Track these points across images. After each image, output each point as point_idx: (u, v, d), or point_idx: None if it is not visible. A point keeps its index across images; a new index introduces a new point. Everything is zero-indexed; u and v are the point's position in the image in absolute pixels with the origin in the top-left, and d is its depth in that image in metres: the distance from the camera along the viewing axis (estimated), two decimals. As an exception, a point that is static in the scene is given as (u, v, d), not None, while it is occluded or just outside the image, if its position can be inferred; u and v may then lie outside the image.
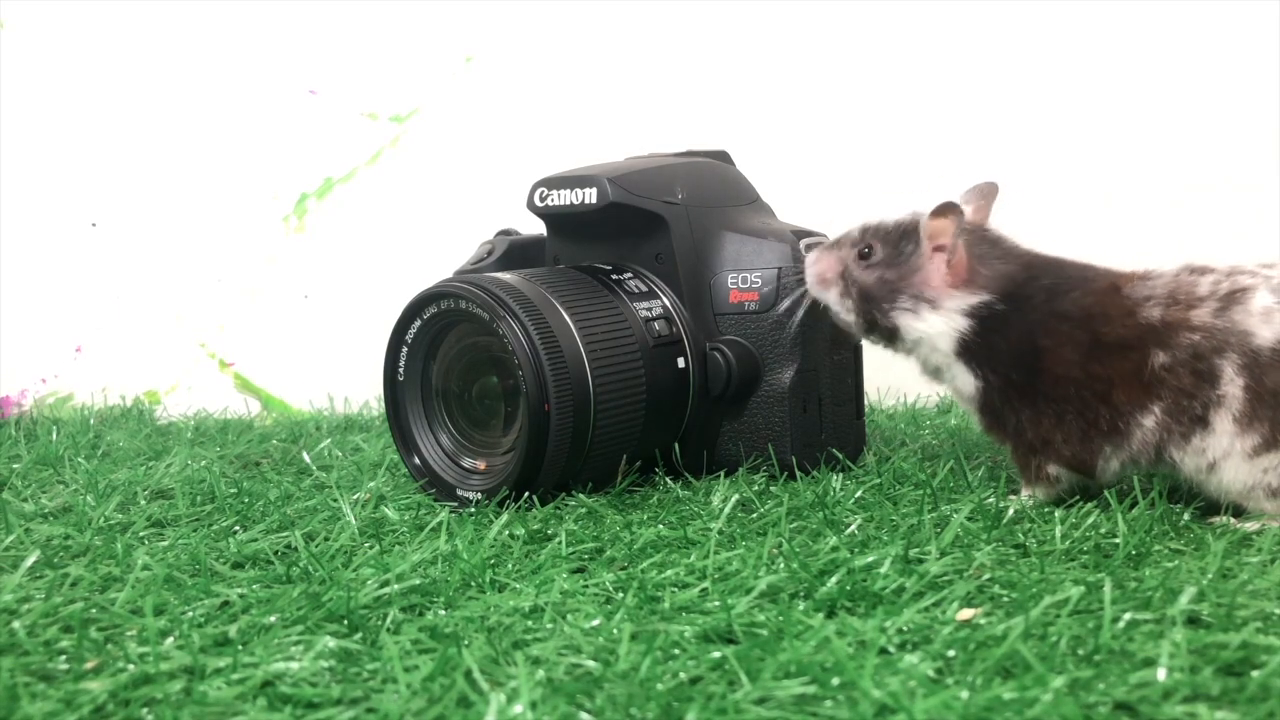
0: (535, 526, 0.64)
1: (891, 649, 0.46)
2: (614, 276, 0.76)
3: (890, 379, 1.02)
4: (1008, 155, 1.08)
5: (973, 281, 0.67)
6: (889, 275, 0.68)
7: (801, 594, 0.52)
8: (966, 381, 0.68)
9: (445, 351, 0.74)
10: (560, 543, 0.61)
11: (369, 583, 0.54)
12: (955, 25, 1.08)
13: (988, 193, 0.71)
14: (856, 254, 0.69)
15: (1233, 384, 0.61)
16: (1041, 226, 1.09)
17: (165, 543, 0.63)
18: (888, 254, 0.68)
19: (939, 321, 0.67)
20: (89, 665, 0.46)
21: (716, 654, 0.45)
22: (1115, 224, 1.05)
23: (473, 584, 0.55)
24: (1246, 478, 0.61)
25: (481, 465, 0.73)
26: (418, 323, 0.73)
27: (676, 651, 0.46)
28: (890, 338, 0.70)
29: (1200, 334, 0.61)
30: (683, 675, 0.44)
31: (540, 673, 0.44)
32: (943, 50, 1.08)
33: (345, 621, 0.50)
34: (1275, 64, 1.02)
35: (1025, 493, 0.68)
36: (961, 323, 0.67)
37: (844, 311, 0.70)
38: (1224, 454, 0.61)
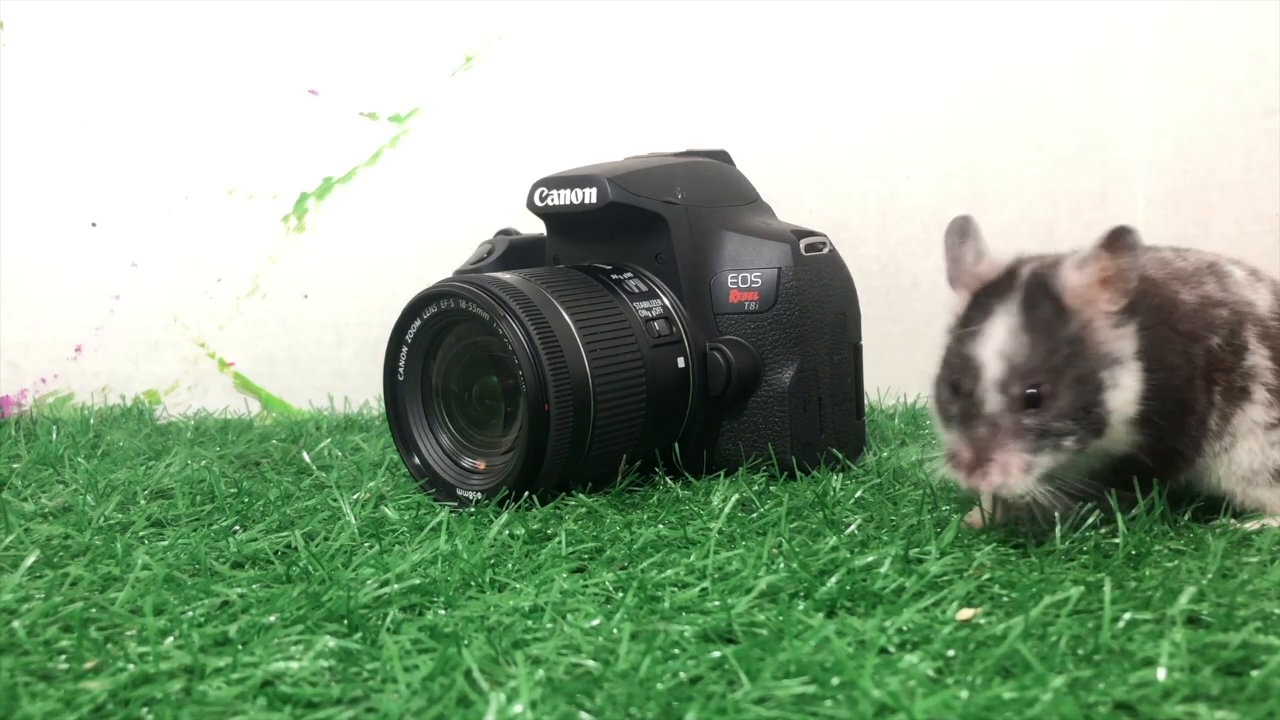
0: (535, 526, 0.64)
1: (891, 649, 0.46)
2: (614, 276, 0.76)
3: (890, 379, 1.02)
4: (1008, 156, 1.08)
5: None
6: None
7: (801, 594, 0.52)
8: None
9: (445, 351, 0.74)
10: (560, 542, 0.61)
11: (369, 583, 0.54)
12: (955, 25, 1.08)
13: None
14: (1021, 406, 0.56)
15: (1258, 353, 0.60)
16: (1040, 227, 1.09)
17: (165, 542, 0.63)
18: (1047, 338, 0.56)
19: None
20: (89, 665, 0.46)
21: (716, 654, 0.45)
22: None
23: (473, 584, 0.55)
24: (1259, 456, 0.60)
25: (481, 465, 0.73)
26: (418, 322, 0.73)
27: (676, 651, 0.46)
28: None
29: (1228, 308, 0.61)
30: (683, 675, 0.44)
31: (540, 672, 0.44)
32: (942, 50, 1.08)
33: (345, 621, 0.50)
34: (1273, 63, 1.02)
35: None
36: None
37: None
38: (1248, 429, 0.60)
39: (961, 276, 0.61)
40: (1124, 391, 0.57)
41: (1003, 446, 0.55)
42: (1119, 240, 0.56)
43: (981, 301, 0.58)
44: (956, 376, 0.57)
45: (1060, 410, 0.55)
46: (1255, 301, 0.62)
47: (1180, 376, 0.58)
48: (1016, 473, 0.55)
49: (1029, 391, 0.55)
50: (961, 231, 0.61)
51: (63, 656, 0.47)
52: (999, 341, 0.56)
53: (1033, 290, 0.57)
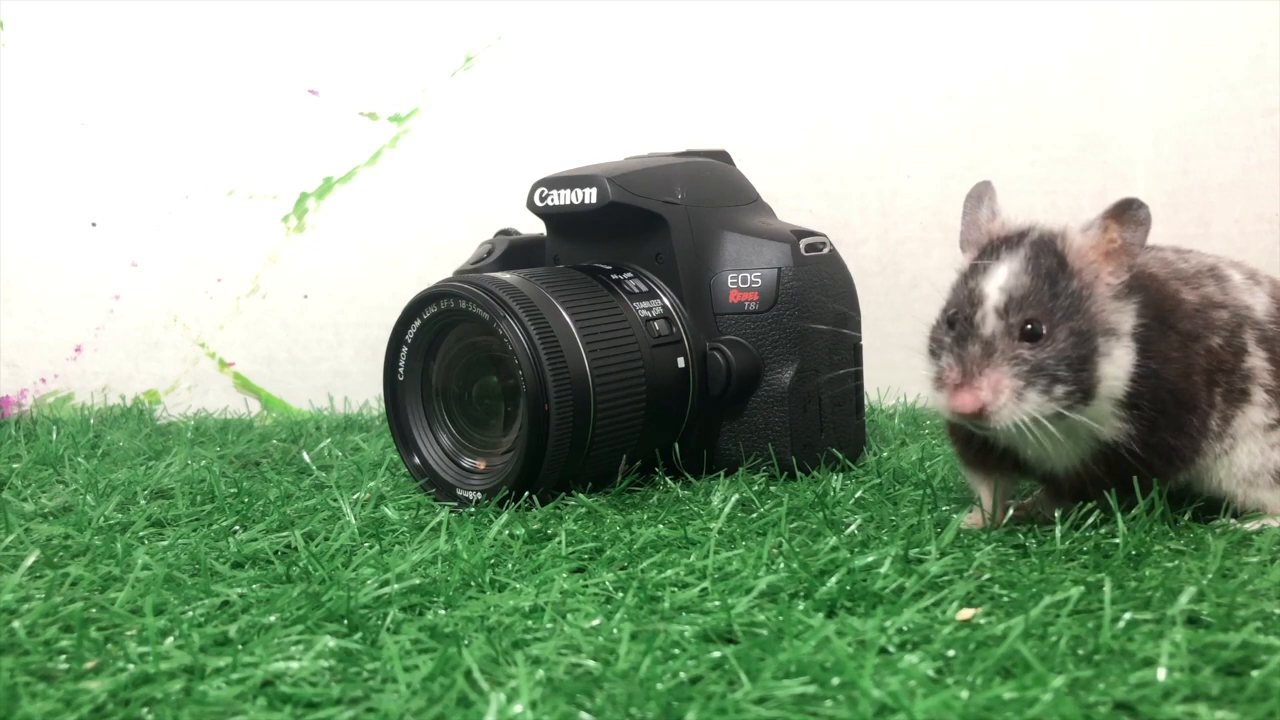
0: (535, 526, 0.64)
1: (891, 649, 0.46)
2: (614, 276, 0.76)
3: (890, 379, 1.02)
4: (1008, 156, 1.08)
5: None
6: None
7: (801, 594, 0.52)
8: None
9: (445, 351, 0.74)
10: (560, 542, 0.61)
11: (369, 583, 0.54)
12: (954, 25, 1.08)
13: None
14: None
15: (1256, 355, 0.61)
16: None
17: (165, 543, 0.63)
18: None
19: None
20: (89, 665, 0.46)
21: (716, 654, 0.45)
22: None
23: (473, 584, 0.55)
24: (1259, 458, 0.61)
25: (481, 465, 0.73)
26: (418, 322, 0.73)
27: (676, 651, 0.46)
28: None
29: (1228, 310, 0.61)
30: (683, 675, 0.44)
31: (540, 673, 0.44)
32: (942, 50, 1.08)
33: (345, 621, 0.50)
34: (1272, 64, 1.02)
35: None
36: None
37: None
38: (1248, 430, 0.61)
39: (973, 235, 0.61)
40: (1116, 365, 0.56)
41: (995, 367, 0.54)
42: (1126, 211, 0.57)
43: (989, 251, 0.58)
44: (954, 309, 0.57)
45: (1056, 352, 0.55)
46: (1253, 305, 0.62)
47: (1175, 370, 0.58)
48: (1007, 395, 0.54)
49: (1028, 323, 0.55)
50: (979, 196, 0.62)
51: (63, 656, 0.47)
52: (1003, 278, 0.56)
53: (1040, 245, 0.57)
